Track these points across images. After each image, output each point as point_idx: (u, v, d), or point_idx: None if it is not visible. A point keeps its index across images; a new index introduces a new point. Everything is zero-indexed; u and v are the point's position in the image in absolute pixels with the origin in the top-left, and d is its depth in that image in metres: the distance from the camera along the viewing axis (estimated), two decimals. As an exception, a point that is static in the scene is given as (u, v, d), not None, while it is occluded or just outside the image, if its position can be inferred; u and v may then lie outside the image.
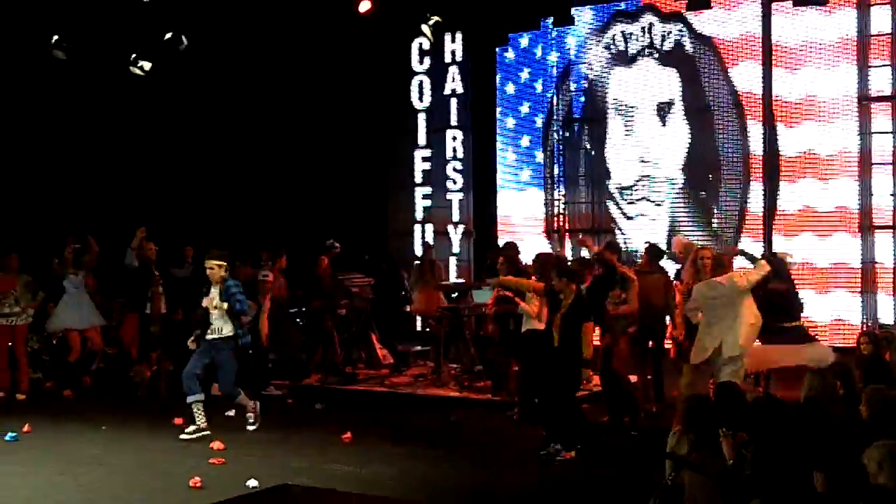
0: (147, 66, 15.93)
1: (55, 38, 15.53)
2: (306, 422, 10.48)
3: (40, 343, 14.26)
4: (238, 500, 7.32)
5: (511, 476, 8.06)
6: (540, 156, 15.76)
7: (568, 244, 15.20)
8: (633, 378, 10.23)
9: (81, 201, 16.44)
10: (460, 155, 16.40)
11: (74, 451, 8.99)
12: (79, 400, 12.01)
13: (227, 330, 9.61)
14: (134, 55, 15.90)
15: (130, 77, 15.94)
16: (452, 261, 16.24)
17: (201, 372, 9.59)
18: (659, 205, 14.42)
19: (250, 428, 9.74)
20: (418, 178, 16.82)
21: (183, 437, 9.31)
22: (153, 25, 15.41)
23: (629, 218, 14.70)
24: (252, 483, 7.53)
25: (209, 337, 9.63)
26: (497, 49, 16.10)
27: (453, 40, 16.40)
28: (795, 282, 10.37)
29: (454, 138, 16.42)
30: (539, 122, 15.80)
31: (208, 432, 9.33)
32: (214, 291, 9.64)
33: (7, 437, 9.40)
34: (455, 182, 16.42)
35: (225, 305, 9.54)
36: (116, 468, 8.31)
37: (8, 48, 16.00)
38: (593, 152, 15.17)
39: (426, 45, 16.58)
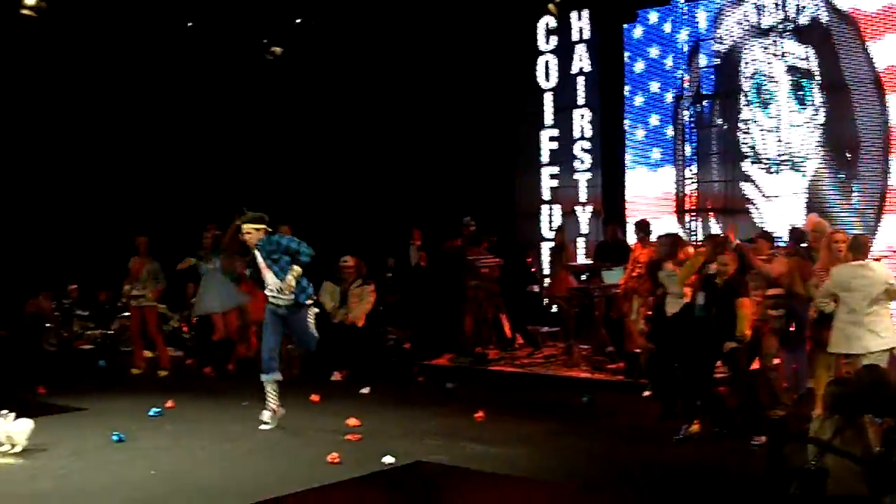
0: (278, 50, 16.31)
1: (189, 24, 16.00)
2: (438, 400, 10.58)
3: (181, 322, 14.78)
4: (374, 476, 7.45)
5: (645, 456, 7.98)
6: (670, 134, 15.48)
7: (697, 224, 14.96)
8: (777, 361, 9.99)
9: (215, 187, 16.91)
10: (588, 134, 16.24)
11: (216, 426, 9.25)
12: (219, 377, 12.39)
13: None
14: (265, 40, 16.29)
15: (263, 62, 16.33)
16: (580, 241, 16.14)
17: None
18: (795, 182, 14.01)
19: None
20: (545, 158, 16.73)
21: (263, 427, 9.04)
22: (284, 10, 15.74)
23: (764, 197, 14.33)
24: (388, 459, 7.63)
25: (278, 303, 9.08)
26: (625, 26, 15.89)
27: (580, 18, 16.25)
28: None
29: (582, 117, 16.28)
30: (669, 99, 15.51)
31: (282, 412, 9.16)
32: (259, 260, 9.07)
33: (151, 413, 9.75)
34: (582, 162, 16.28)
35: (297, 269, 8.94)
36: (257, 443, 8.52)
37: (145, 37, 16.55)
38: (726, 128, 14.83)
39: (552, 24, 16.47)
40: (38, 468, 7.60)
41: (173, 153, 17.91)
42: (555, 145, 16.58)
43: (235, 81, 17.61)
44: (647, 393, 10.31)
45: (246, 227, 9.07)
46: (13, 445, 8.06)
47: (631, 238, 13.26)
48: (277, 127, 18.15)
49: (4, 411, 8.16)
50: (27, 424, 8.14)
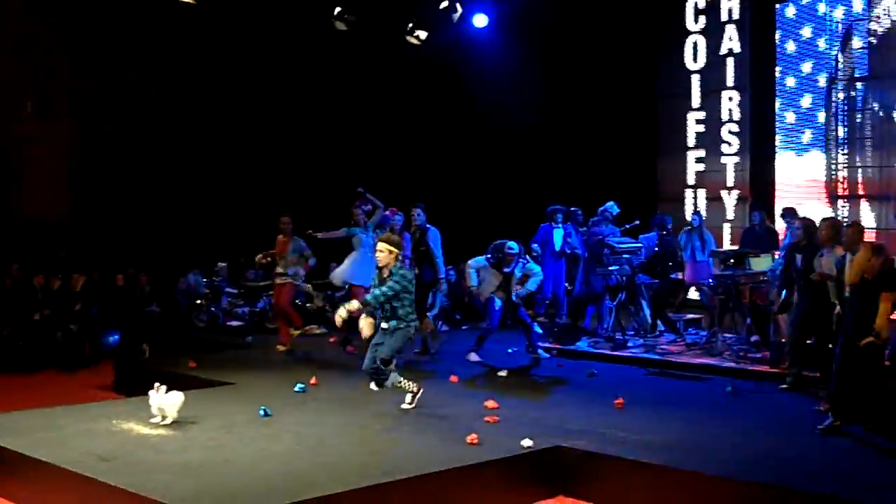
0: (423, 35, 16.40)
1: (338, 9, 16.24)
2: (577, 385, 10.49)
3: (325, 301, 15.07)
4: (514, 458, 7.44)
5: (790, 448, 7.75)
6: (822, 117, 14.97)
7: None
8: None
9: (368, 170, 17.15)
10: (736, 117, 15.85)
11: (358, 404, 9.36)
12: (361, 354, 12.53)
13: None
14: (410, 24, 16.41)
15: (407, 46, 16.46)
16: (726, 227, 15.77)
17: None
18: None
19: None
20: (691, 141, 16.41)
21: (404, 406, 9.06)
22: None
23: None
24: (527, 443, 7.61)
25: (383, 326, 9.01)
26: (777, 5, 15.42)
27: (731, -2, 15.86)
28: None
29: (730, 99, 15.88)
30: (822, 81, 15.00)
31: (421, 390, 9.14)
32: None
33: (296, 389, 9.96)
34: (730, 145, 15.90)
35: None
36: (397, 422, 8.60)
37: (291, 19, 16.89)
38: (881, 112, 14.25)
39: (701, 4, 16.11)
40: (188, 439, 7.85)
41: (323, 137, 18.26)
42: (701, 128, 16.24)
43: (378, 65, 17.82)
44: (784, 386, 10.03)
45: (381, 244, 8.93)
46: (164, 417, 8.36)
47: (778, 224, 12.89)
48: (424, 111, 18.30)
49: (157, 384, 8.48)
50: (178, 397, 8.43)
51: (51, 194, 18.51)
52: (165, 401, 8.38)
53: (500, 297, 11.87)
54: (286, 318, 13.15)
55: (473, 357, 11.88)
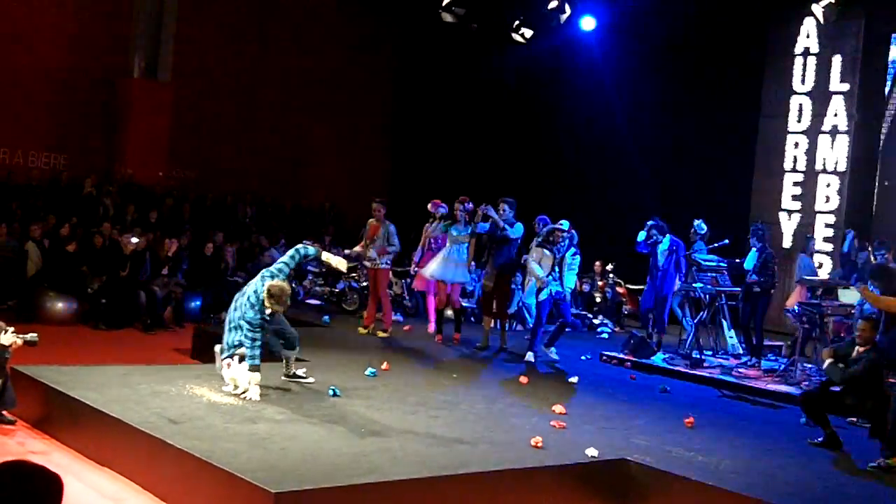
0: (528, 33, 16.41)
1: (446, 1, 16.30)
2: (648, 400, 10.35)
3: (401, 288, 15.13)
4: (576, 466, 7.38)
5: (857, 486, 7.55)
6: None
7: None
8: None
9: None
10: (839, 144, 15.52)
11: (426, 393, 9.39)
12: (435, 345, 12.58)
13: None
14: (517, 22, 16.43)
15: (512, 43, 16.47)
16: (815, 256, 15.43)
17: None
18: None
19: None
20: (788, 164, 16.11)
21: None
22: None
23: None
24: (591, 452, 7.54)
25: None
26: (894, 35, 15.06)
27: (846, 25, 15.45)
28: None
29: (834, 126, 15.58)
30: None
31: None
32: None
33: (367, 372, 10.01)
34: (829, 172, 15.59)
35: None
36: (463, 416, 8.58)
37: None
38: None
39: (813, 28, 15.80)
40: (257, 411, 7.95)
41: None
42: (801, 151, 15.94)
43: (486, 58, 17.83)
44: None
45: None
46: (236, 387, 8.48)
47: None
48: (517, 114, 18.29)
49: (232, 354, 8.61)
50: (252, 369, 8.54)
51: (150, 156, 18.96)
52: (239, 371, 8.50)
53: (550, 283, 11.77)
54: (380, 304, 13.08)
55: (530, 357, 11.84)
